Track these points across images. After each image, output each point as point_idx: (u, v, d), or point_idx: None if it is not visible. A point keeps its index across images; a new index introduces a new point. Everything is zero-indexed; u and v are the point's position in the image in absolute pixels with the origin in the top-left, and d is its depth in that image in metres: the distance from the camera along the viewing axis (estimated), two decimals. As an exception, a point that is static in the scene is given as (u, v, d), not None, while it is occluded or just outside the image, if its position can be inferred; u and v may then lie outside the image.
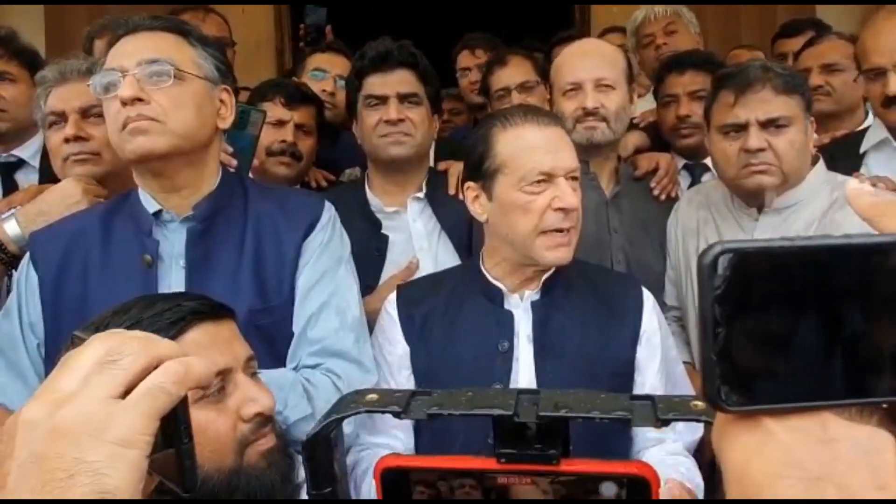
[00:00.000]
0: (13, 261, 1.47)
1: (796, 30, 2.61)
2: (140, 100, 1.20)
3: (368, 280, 1.67)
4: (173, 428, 0.44)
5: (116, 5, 2.60)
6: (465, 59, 2.83)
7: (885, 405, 0.41)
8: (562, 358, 1.32)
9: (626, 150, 2.03)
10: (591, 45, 1.87)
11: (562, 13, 4.17)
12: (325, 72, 2.28)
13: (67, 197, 1.49)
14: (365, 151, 1.83)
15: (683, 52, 2.24)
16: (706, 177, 2.03)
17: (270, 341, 1.28)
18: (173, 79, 1.22)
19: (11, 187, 1.97)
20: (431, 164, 1.99)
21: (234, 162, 1.59)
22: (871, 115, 2.06)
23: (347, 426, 0.63)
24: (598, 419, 0.53)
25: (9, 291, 1.53)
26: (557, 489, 0.54)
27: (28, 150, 2.03)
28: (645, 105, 2.42)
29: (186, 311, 0.88)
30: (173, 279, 1.26)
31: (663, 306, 1.67)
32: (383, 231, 1.76)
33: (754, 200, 1.63)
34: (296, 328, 1.30)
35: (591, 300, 1.39)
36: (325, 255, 1.33)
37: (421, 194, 1.80)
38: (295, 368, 1.28)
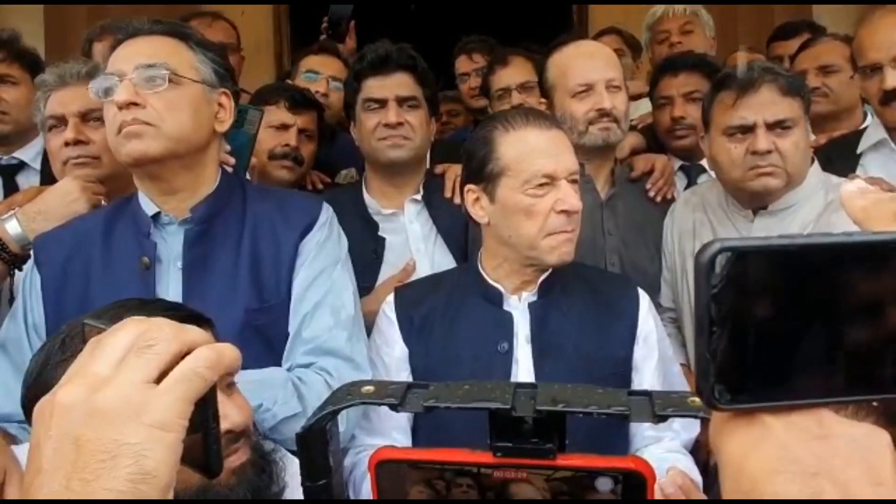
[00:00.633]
0: (14, 260, 1.48)
1: (791, 32, 2.62)
2: (135, 104, 1.21)
3: (365, 282, 1.67)
4: (202, 412, 0.45)
5: (117, 6, 2.60)
6: (463, 64, 2.84)
7: (876, 403, 0.41)
8: (560, 358, 1.33)
9: (622, 151, 2.03)
10: (594, 46, 1.87)
11: (560, 13, 4.19)
12: (318, 73, 2.28)
13: (66, 196, 1.49)
14: (363, 154, 1.84)
15: (677, 54, 2.25)
16: (702, 178, 2.03)
17: (268, 341, 1.28)
18: (168, 83, 1.23)
19: (12, 189, 1.97)
20: (428, 166, 2.00)
21: (232, 161, 1.59)
22: (869, 116, 2.06)
23: (341, 424, 0.62)
24: (595, 414, 0.52)
25: (11, 291, 1.54)
26: (553, 484, 0.53)
27: (29, 153, 2.03)
28: (645, 108, 2.42)
29: None
30: (171, 281, 1.27)
31: (658, 308, 1.67)
32: (380, 233, 1.76)
33: (752, 202, 1.63)
34: (291, 328, 1.30)
35: (588, 301, 1.40)
36: (321, 255, 1.33)
37: (418, 196, 1.80)
38: (289, 368, 1.28)
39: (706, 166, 1.98)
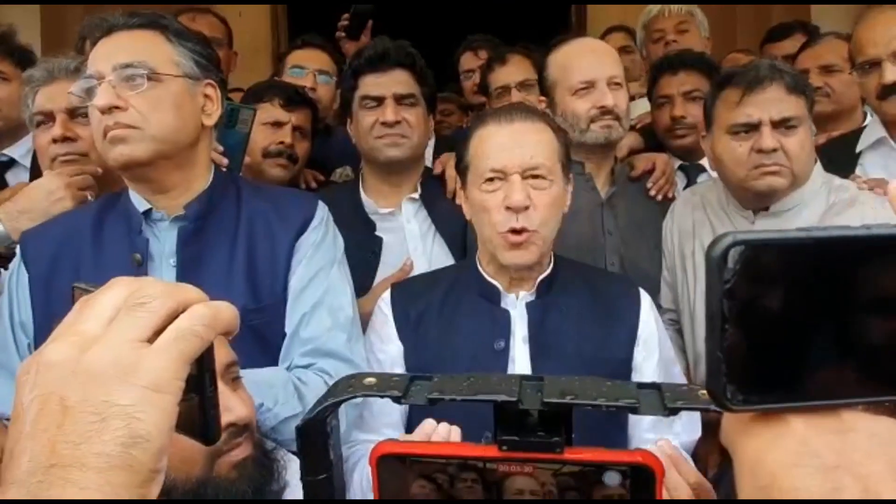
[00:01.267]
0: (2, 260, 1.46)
1: (784, 33, 2.62)
2: (117, 107, 1.19)
3: (363, 281, 1.66)
4: (198, 375, 0.42)
5: (113, 4, 2.58)
6: (468, 60, 2.84)
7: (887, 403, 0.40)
8: (558, 359, 1.31)
9: (620, 151, 2.03)
10: (595, 43, 1.86)
11: (559, 13, 4.19)
12: (304, 68, 2.25)
13: (50, 193, 1.47)
14: (360, 152, 1.82)
15: (676, 53, 2.24)
16: (702, 178, 2.02)
17: (264, 341, 1.27)
18: (148, 81, 1.20)
19: (2, 187, 1.96)
20: (430, 162, 1.99)
21: (225, 161, 1.58)
22: (870, 116, 2.06)
23: (341, 423, 0.61)
24: (604, 407, 0.51)
25: (-3, 288, 1.52)
26: (560, 479, 0.52)
27: (19, 150, 2.02)
28: (644, 107, 2.41)
29: None
30: (164, 278, 1.24)
31: (658, 309, 1.65)
32: (377, 233, 1.75)
33: (755, 202, 1.61)
34: (288, 328, 1.29)
35: (587, 301, 1.38)
36: (318, 254, 1.32)
37: (416, 195, 1.78)
38: (287, 368, 1.27)
39: (706, 166, 1.97)
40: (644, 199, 1.85)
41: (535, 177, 1.30)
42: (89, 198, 1.50)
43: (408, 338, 1.37)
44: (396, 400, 0.50)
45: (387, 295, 1.44)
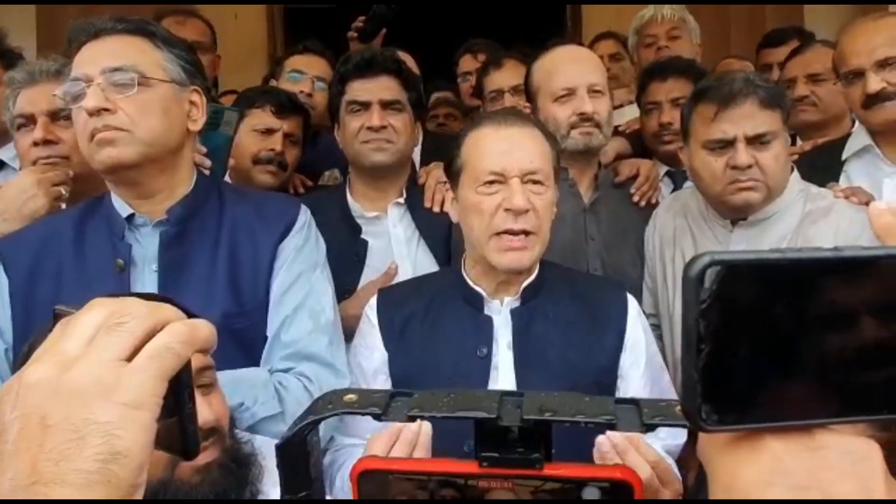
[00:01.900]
0: None
1: (780, 39, 2.63)
2: (106, 110, 1.19)
3: (347, 285, 1.67)
4: (176, 392, 0.43)
5: (107, 5, 2.58)
6: (466, 63, 2.85)
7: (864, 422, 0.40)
8: (543, 366, 1.31)
9: (606, 156, 2.03)
10: (578, 51, 1.87)
11: (553, 13, 4.19)
12: (303, 73, 2.27)
13: (22, 192, 1.45)
14: (347, 157, 1.83)
15: (666, 59, 2.25)
16: (688, 183, 2.03)
17: (245, 345, 1.27)
18: (138, 86, 1.20)
19: (-9, 188, 1.95)
20: (419, 162, 1.99)
21: (208, 162, 1.57)
22: (857, 124, 2.07)
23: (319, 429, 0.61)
24: (583, 423, 0.51)
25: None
26: (540, 494, 0.52)
27: (9, 152, 1.99)
28: (633, 112, 2.42)
29: None
30: (146, 283, 1.25)
31: (641, 314, 1.66)
32: (363, 236, 1.75)
33: (734, 213, 1.63)
34: (270, 331, 1.29)
35: (573, 307, 1.38)
36: (300, 258, 1.32)
37: (401, 200, 1.79)
38: (269, 371, 1.27)
39: (690, 173, 1.98)
40: (628, 204, 1.86)
41: (534, 182, 1.31)
42: (63, 192, 1.49)
43: (392, 345, 1.37)
44: (377, 417, 0.50)
45: (373, 301, 1.44)
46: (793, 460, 0.37)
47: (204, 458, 0.87)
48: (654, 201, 1.88)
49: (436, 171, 1.82)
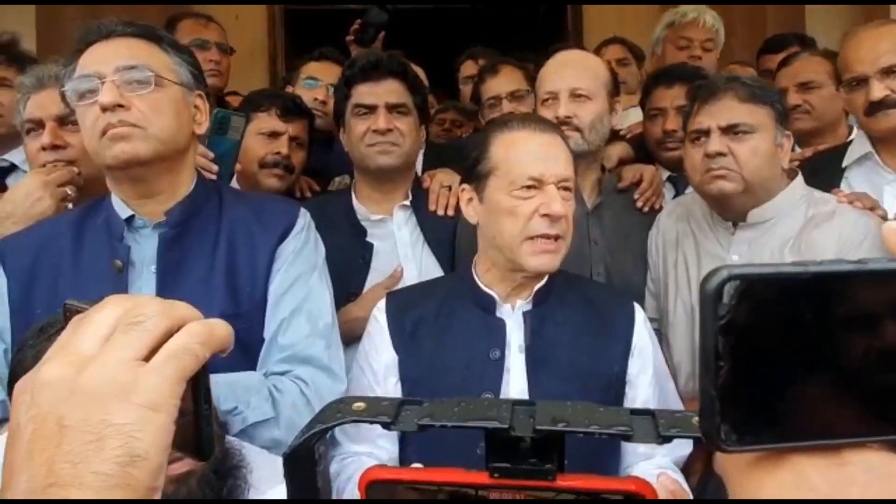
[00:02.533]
0: None
1: (780, 45, 2.63)
2: (120, 106, 1.19)
3: (353, 287, 1.67)
4: (193, 392, 0.42)
5: (110, 6, 2.57)
6: (468, 68, 2.87)
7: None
8: (554, 369, 1.31)
9: (610, 161, 2.03)
10: (573, 56, 1.87)
11: (554, 14, 4.19)
12: (318, 80, 2.27)
13: (29, 194, 1.47)
14: (352, 159, 1.83)
15: (672, 66, 2.24)
16: (690, 189, 2.03)
17: (242, 347, 1.26)
18: (153, 85, 1.22)
19: (2, 191, 1.95)
20: (420, 170, 1.99)
21: (215, 168, 1.58)
22: (855, 130, 2.06)
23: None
24: (597, 434, 0.50)
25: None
26: (552, 506, 0.51)
27: (20, 155, 2.00)
28: (637, 116, 2.41)
29: None
30: (144, 284, 1.25)
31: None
32: (368, 239, 1.75)
33: (726, 211, 1.63)
34: (267, 334, 1.29)
35: (583, 312, 1.38)
36: (298, 261, 1.32)
37: (407, 203, 1.79)
38: (265, 374, 1.27)
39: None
40: (631, 209, 1.86)
41: (566, 188, 1.34)
42: (69, 193, 1.50)
43: (403, 347, 1.37)
44: (386, 426, 0.49)
45: (382, 304, 1.43)
46: (817, 476, 0.36)
47: (180, 467, 0.84)
48: (657, 206, 1.88)
49: (441, 176, 1.83)
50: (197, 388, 0.42)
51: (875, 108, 1.69)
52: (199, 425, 0.43)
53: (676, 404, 1.48)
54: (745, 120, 1.52)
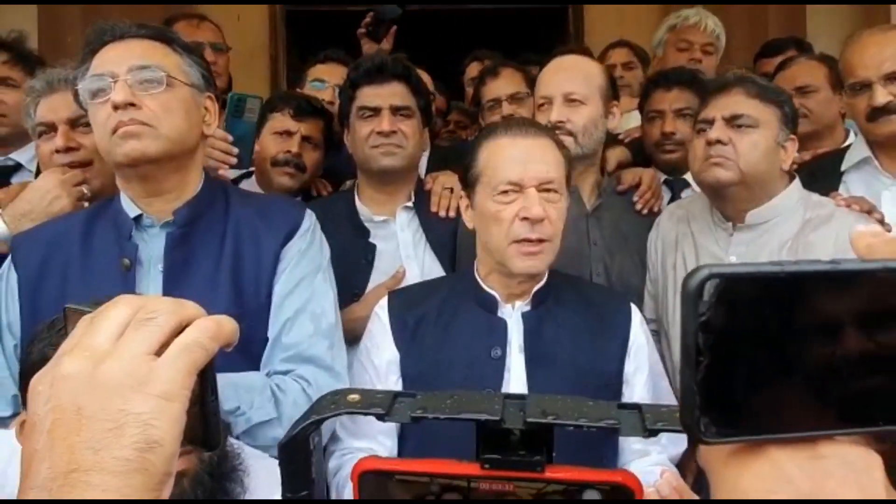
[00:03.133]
0: (3, 260, 1.47)
1: (777, 49, 2.63)
2: (132, 104, 1.21)
3: (356, 288, 1.68)
4: (201, 385, 0.44)
5: (111, 6, 2.59)
6: (473, 70, 2.88)
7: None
8: (553, 368, 1.33)
9: (609, 165, 2.04)
10: (567, 61, 1.87)
11: (555, 14, 4.19)
12: (325, 82, 2.29)
13: (46, 193, 1.49)
14: (356, 161, 1.84)
15: (671, 69, 2.25)
16: (686, 192, 2.04)
17: (247, 347, 1.28)
18: (164, 85, 1.23)
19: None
20: (424, 171, 2.00)
21: (235, 150, 1.60)
22: (853, 134, 2.07)
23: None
24: (585, 427, 0.51)
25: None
26: (541, 496, 0.53)
27: (26, 155, 2.03)
28: (636, 120, 2.42)
29: None
30: (151, 283, 1.27)
31: (642, 319, 1.67)
32: (371, 240, 1.77)
33: (724, 205, 1.64)
34: (271, 334, 1.30)
35: (581, 313, 1.40)
36: (303, 261, 1.34)
37: (410, 204, 1.81)
38: (268, 374, 1.28)
39: (690, 181, 1.99)
40: (630, 212, 1.87)
41: (549, 190, 1.34)
42: (85, 192, 1.53)
43: (404, 345, 1.38)
44: (380, 417, 0.50)
45: (384, 302, 1.45)
46: (795, 469, 0.37)
47: (177, 465, 0.85)
48: (655, 209, 1.89)
49: (442, 178, 1.84)
50: (204, 381, 0.45)
51: (877, 113, 1.70)
52: (206, 416, 0.45)
53: (669, 401, 1.50)
54: (748, 112, 1.54)
